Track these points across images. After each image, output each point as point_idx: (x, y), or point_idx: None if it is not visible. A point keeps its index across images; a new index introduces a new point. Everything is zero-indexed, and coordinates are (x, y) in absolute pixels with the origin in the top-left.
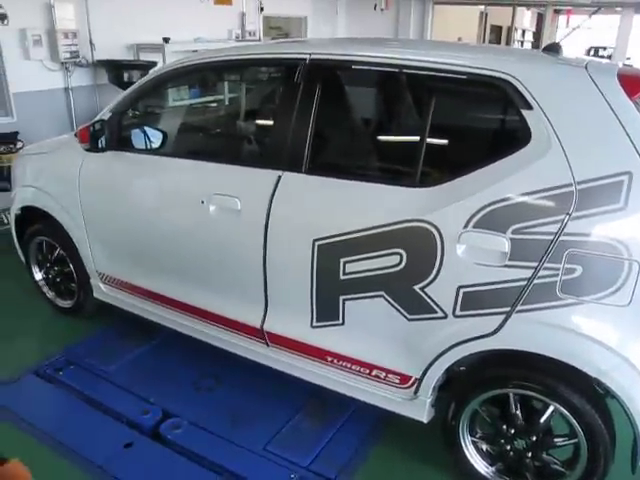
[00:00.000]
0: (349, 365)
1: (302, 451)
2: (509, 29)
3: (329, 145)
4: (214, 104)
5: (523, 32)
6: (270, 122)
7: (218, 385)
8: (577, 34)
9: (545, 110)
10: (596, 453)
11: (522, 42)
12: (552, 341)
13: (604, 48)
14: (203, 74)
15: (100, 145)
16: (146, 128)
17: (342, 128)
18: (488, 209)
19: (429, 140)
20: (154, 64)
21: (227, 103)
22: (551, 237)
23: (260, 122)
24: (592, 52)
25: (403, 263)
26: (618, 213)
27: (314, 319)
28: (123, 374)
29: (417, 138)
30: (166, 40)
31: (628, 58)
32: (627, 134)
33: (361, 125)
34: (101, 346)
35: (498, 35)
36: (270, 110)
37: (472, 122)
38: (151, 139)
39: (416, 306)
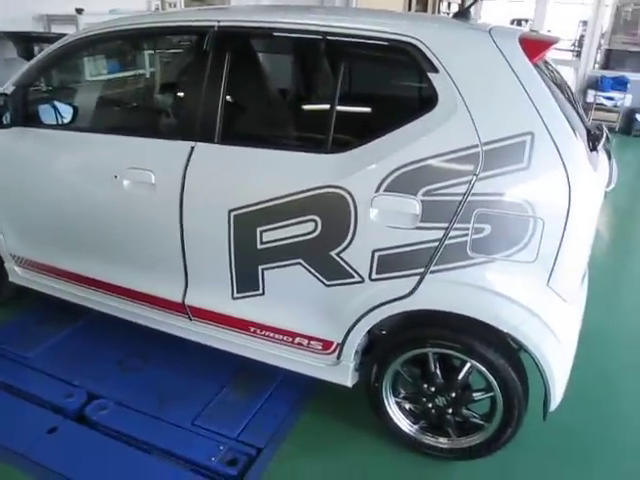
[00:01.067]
0: (272, 334)
1: (230, 423)
2: (435, 0)
3: (241, 114)
4: (131, 78)
5: (449, 4)
6: (182, 93)
7: (145, 364)
8: (504, 6)
9: (450, 73)
10: (511, 405)
11: (448, 13)
12: (465, 299)
13: (526, 20)
14: (111, 44)
15: (5, 121)
16: (56, 103)
17: (254, 97)
18: (398, 172)
19: (339, 106)
20: None
21: (147, 76)
22: (460, 198)
23: (172, 93)
24: (515, 23)
25: (318, 230)
26: (522, 172)
27: (234, 290)
28: (45, 359)
29: (327, 104)
30: (79, 11)
31: (549, 30)
32: (528, 95)
33: (273, 93)
34: (20, 332)
35: (425, 6)
36: (182, 81)
37: (381, 87)
38: (62, 114)
39: (333, 272)
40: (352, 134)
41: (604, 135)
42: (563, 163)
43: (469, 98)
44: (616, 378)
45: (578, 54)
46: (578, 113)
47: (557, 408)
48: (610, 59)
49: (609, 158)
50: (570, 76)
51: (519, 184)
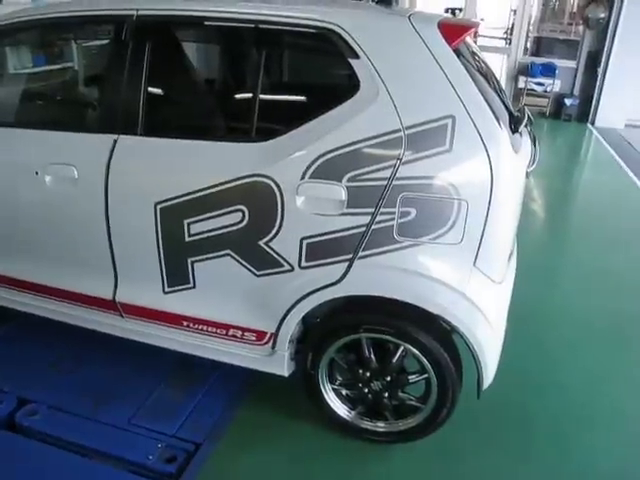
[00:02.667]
0: (205, 327)
1: (168, 420)
2: None
3: (164, 105)
4: (57, 71)
5: None
6: (103, 85)
7: (78, 365)
8: None
9: (371, 58)
10: (445, 386)
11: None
12: (394, 283)
13: (460, 9)
14: (29, 35)
15: None
16: None
17: (176, 87)
18: (322, 159)
19: (263, 95)
20: None
21: (74, 69)
22: (385, 182)
23: (95, 86)
24: (449, 12)
25: (245, 220)
26: (445, 155)
27: (165, 285)
28: None
29: (251, 93)
30: None
31: (482, 19)
32: (448, 79)
33: (196, 83)
34: None
35: None
36: (104, 73)
37: (304, 74)
38: None
39: (263, 261)
40: (276, 122)
41: (526, 118)
42: (484, 145)
43: (390, 83)
44: (546, 350)
45: (510, 42)
46: (502, 99)
47: (493, 382)
48: (539, 46)
49: (532, 140)
50: (502, 63)
51: (442, 167)
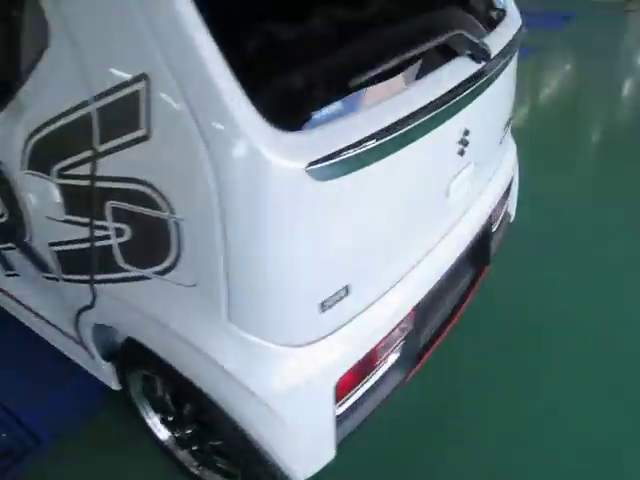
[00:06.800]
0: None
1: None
2: None
3: None
4: None
5: None
6: None
7: None
8: None
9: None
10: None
11: None
12: (134, 323)
13: None
14: None
15: None
16: None
17: None
18: (31, 143)
19: None
20: None
21: None
22: (88, 182)
23: None
24: None
25: (5, 215)
26: (142, 144)
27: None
28: None
29: None
30: None
31: None
32: (146, 19)
33: None
34: None
35: None
36: None
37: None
38: None
39: (38, 261)
40: None
41: None
42: (197, 124)
43: (78, 33)
44: None
45: None
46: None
47: None
48: None
49: None
50: None
51: (140, 164)
